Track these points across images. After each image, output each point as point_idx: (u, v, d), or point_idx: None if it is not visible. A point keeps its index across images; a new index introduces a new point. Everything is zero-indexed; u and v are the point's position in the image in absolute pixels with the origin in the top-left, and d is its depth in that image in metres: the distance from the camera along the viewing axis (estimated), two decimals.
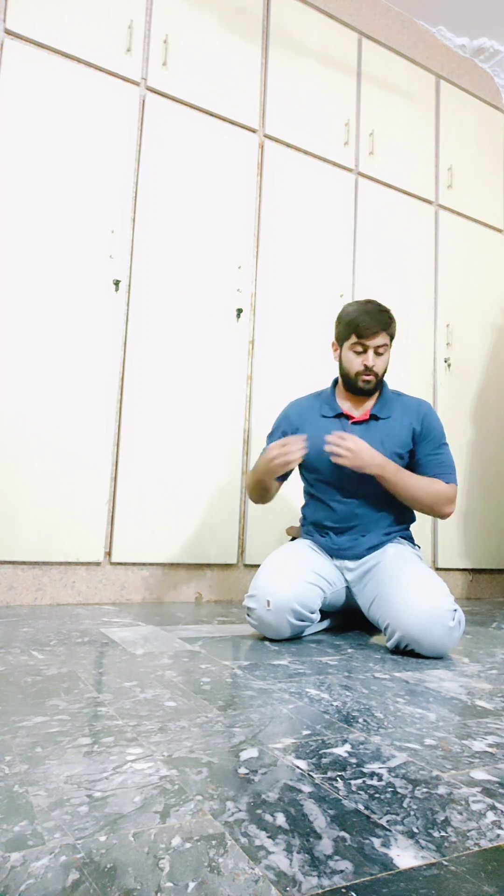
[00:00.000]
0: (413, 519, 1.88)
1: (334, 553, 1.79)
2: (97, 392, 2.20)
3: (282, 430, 1.89)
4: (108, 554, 2.20)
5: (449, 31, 3.25)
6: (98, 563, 2.18)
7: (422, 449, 1.78)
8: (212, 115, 2.54)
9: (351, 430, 1.80)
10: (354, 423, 1.81)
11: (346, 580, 1.78)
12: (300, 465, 1.86)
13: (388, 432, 1.78)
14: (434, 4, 3.12)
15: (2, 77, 2.12)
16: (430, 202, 3.14)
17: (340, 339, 1.82)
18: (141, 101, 2.39)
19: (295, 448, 1.66)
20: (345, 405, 1.86)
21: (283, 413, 1.93)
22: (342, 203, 2.84)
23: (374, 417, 1.81)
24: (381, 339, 1.76)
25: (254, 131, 2.64)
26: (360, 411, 1.84)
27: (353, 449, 1.64)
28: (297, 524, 1.99)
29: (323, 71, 2.85)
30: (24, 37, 2.17)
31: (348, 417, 1.83)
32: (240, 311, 2.51)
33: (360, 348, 1.76)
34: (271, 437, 1.91)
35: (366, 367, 1.76)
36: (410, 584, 1.56)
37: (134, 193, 2.35)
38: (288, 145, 2.73)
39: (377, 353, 1.77)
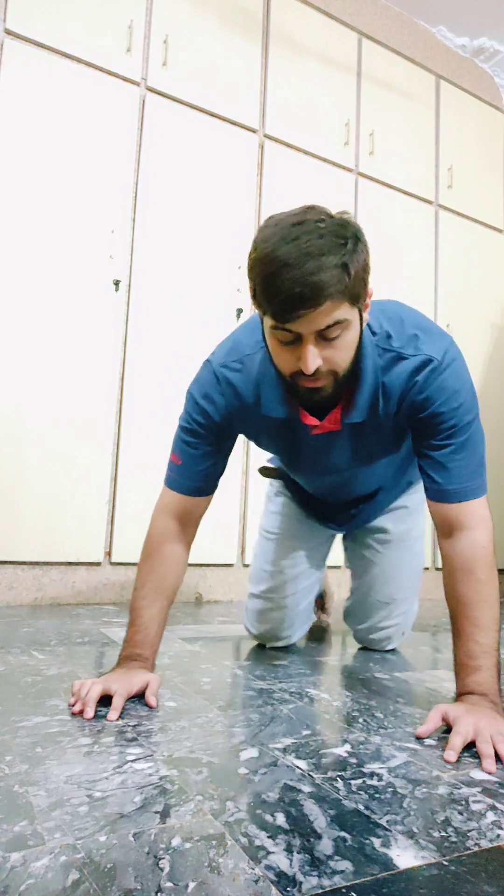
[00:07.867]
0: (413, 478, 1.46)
1: (325, 524, 1.52)
2: (97, 392, 2.20)
3: (210, 428, 1.17)
4: (108, 554, 2.20)
5: (449, 31, 3.25)
6: (98, 563, 2.18)
7: (426, 442, 1.06)
8: (212, 115, 2.54)
9: (313, 443, 1.15)
10: (317, 434, 1.11)
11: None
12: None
13: (368, 434, 1.12)
14: (434, 4, 3.12)
15: (2, 77, 2.12)
16: (430, 202, 3.14)
17: (257, 307, 0.95)
18: (141, 101, 2.39)
19: (85, 708, 0.96)
20: (296, 401, 1.06)
21: (206, 396, 1.14)
22: (342, 203, 2.84)
23: (346, 427, 1.10)
24: (323, 318, 0.89)
25: (254, 131, 2.64)
26: (322, 412, 1.06)
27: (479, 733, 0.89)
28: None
29: (323, 71, 2.84)
30: (24, 37, 2.16)
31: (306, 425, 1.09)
32: (240, 310, 2.51)
33: (286, 337, 0.92)
34: (185, 436, 1.24)
35: (301, 370, 0.92)
36: (379, 604, 1.55)
37: (134, 193, 2.35)
38: (288, 145, 2.72)
39: (323, 340, 0.91)
